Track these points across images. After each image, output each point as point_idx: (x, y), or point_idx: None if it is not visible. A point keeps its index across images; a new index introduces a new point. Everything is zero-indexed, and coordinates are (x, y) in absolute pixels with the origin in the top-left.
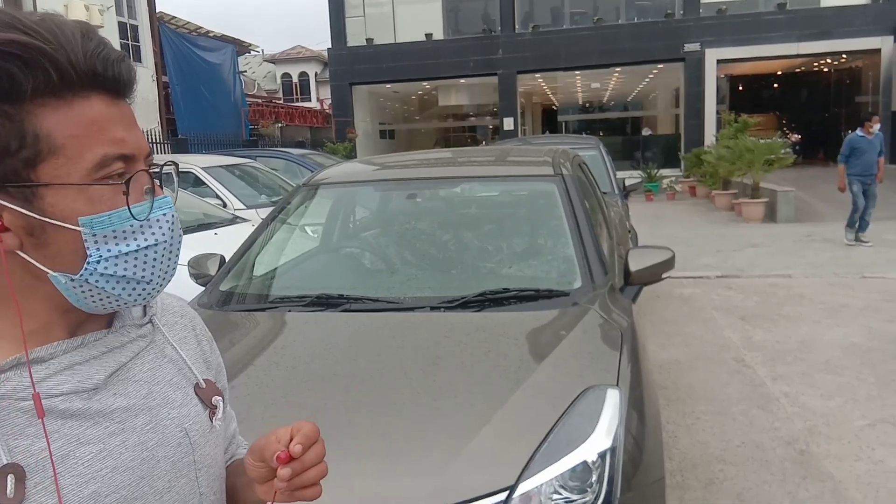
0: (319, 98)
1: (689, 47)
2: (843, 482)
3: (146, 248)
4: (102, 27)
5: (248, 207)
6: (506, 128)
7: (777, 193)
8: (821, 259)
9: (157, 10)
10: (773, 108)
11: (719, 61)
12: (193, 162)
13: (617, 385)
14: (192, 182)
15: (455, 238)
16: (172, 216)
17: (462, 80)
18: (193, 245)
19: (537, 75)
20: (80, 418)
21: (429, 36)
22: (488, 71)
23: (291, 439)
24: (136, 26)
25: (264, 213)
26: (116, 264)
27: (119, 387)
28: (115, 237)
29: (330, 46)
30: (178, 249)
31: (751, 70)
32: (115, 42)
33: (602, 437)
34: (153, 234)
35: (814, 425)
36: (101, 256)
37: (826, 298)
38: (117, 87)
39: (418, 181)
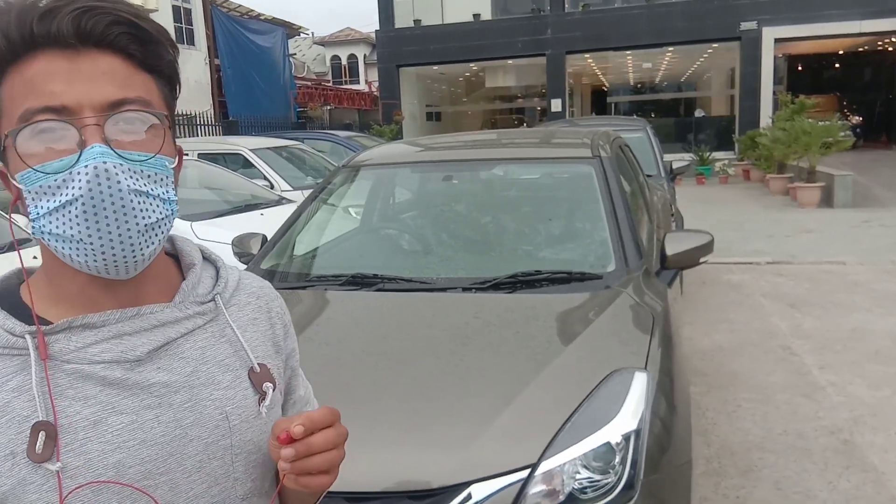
0: (368, 80)
1: (745, 26)
2: (887, 473)
3: (67, 203)
4: (157, 10)
5: (295, 189)
6: (553, 109)
7: (834, 177)
8: (877, 246)
9: None
10: (833, 89)
11: (777, 40)
12: (242, 144)
13: (645, 368)
14: (242, 164)
15: (490, 220)
16: (95, 167)
17: (510, 61)
18: (240, 225)
19: (587, 55)
20: (117, 387)
21: (476, 16)
22: (536, 51)
23: None
24: (190, 10)
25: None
26: (50, 221)
27: (164, 361)
28: (44, 193)
29: (378, 28)
30: (112, 205)
31: (810, 49)
32: (169, 25)
33: (627, 419)
34: (71, 189)
35: (860, 415)
36: (38, 213)
37: (881, 286)
38: (63, 40)
39: (456, 163)
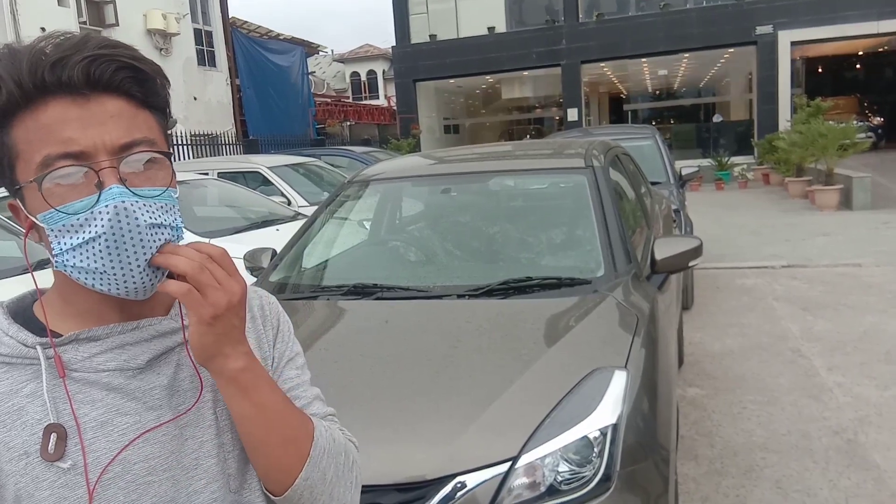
0: (387, 95)
1: (760, 30)
2: (888, 471)
3: (90, 240)
4: (178, 34)
5: (311, 204)
6: (570, 119)
7: (852, 179)
8: (894, 247)
9: (229, 16)
10: (854, 91)
11: (793, 43)
12: (260, 162)
13: (625, 367)
14: (261, 181)
15: (487, 229)
16: (114, 206)
17: (525, 73)
18: (256, 241)
19: (602, 64)
20: (121, 392)
21: (491, 29)
22: (552, 62)
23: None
24: (211, 32)
25: None
26: (74, 256)
27: (162, 368)
28: (67, 231)
29: (394, 44)
30: (131, 239)
31: (829, 51)
32: (191, 48)
33: (605, 414)
34: (94, 227)
35: (865, 415)
36: (61, 249)
37: (895, 288)
38: (74, 88)
39: (453, 176)
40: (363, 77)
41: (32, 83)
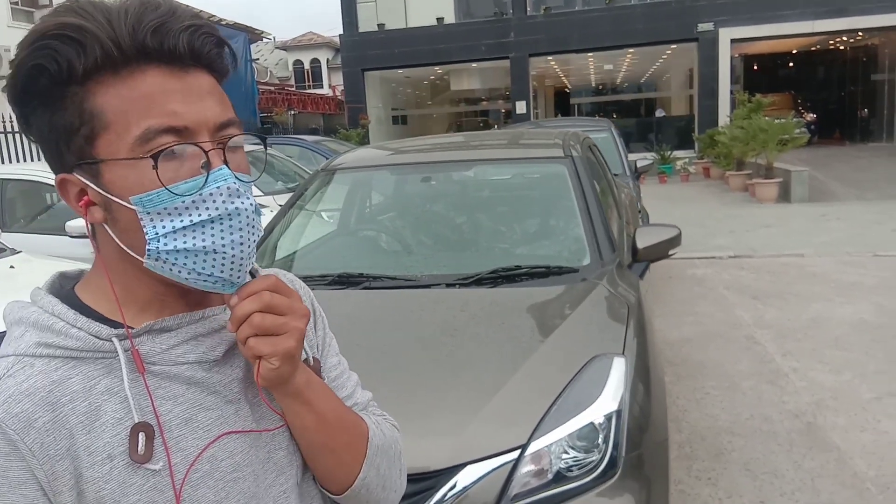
0: (332, 84)
1: (702, 27)
2: (848, 452)
3: (202, 222)
4: None
5: (266, 194)
6: (518, 111)
7: (791, 173)
8: (834, 238)
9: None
10: (788, 88)
11: (733, 41)
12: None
13: (623, 354)
14: None
15: (469, 219)
16: (227, 188)
17: (474, 65)
18: None
19: (549, 58)
20: (202, 386)
21: (440, 20)
22: (500, 54)
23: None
24: None
25: (281, 199)
26: (176, 239)
27: (236, 360)
28: (168, 214)
29: (341, 32)
30: (250, 217)
31: (766, 49)
32: None
33: (608, 400)
34: (207, 208)
35: (821, 399)
36: (157, 233)
37: (838, 277)
38: (175, 58)
39: (432, 164)
40: (307, 65)
41: (134, 45)
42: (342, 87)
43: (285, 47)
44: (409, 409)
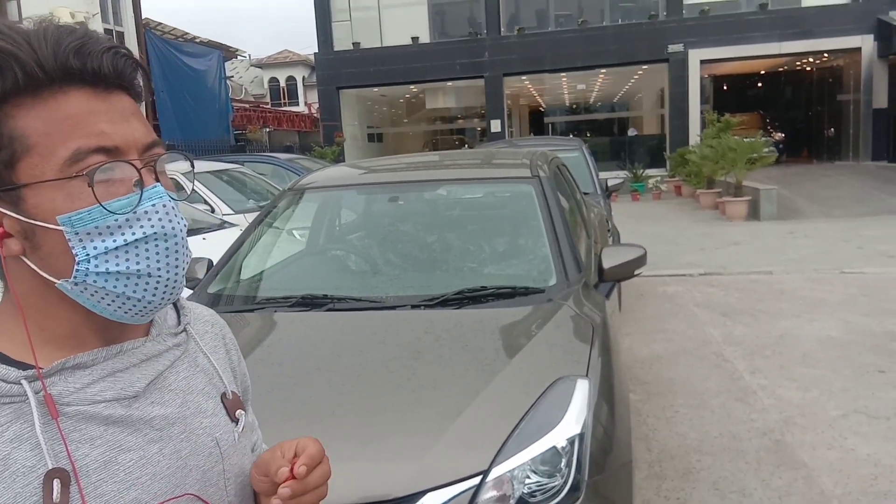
0: (307, 102)
1: (672, 48)
2: (816, 470)
3: (136, 241)
4: None
5: (237, 212)
6: (493, 130)
7: (760, 191)
8: (802, 255)
9: (143, 17)
10: (756, 107)
11: (703, 61)
12: (179, 168)
13: (587, 376)
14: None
15: (436, 239)
16: (164, 206)
17: (449, 83)
18: None
19: (524, 77)
20: (121, 425)
21: (415, 39)
22: (475, 74)
23: (296, 456)
24: (122, 33)
25: (252, 217)
26: (108, 260)
27: (157, 395)
28: (100, 233)
29: (317, 51)
30: (182, 238)
31: (734, 70)
32: None
33: (571, 424)
34: (142, 227)
35: (789, 416)
36: (87, 255)
37: (805, 294)
38: (98, 80)
39: (400, 184)
40: (282, 83)
41: (58, 67)
42: (318, 105)
43: (261, 65)
44: (370, 433)
